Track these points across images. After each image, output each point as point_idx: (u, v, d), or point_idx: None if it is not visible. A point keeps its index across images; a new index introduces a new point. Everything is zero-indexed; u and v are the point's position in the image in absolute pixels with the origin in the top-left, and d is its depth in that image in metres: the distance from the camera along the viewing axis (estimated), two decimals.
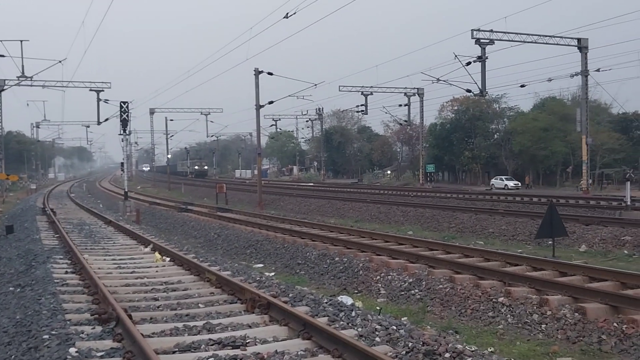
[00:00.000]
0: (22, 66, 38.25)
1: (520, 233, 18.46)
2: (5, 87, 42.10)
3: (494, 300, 9.40)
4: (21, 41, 36.09)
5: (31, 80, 39.55)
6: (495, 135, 62.38)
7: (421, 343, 6.42)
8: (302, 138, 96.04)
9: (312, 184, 59.23)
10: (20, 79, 39.07)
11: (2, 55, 36.21)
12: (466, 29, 34.08)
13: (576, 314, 8.32)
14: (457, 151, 60.08)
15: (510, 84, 70.26)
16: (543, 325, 8.33)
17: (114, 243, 16.63)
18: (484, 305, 9.37)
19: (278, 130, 72.76)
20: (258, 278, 10.96)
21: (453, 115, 63.45)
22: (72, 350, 6.21)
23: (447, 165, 65.04)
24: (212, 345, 6.63)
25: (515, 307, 9.00)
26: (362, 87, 48.94)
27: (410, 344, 6.43)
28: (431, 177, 56.21)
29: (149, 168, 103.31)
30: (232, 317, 7.94)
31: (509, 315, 8.86)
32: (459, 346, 6.32)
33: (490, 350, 7.37)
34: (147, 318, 7.84)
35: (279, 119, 70.74)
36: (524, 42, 33.64)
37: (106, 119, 42.16)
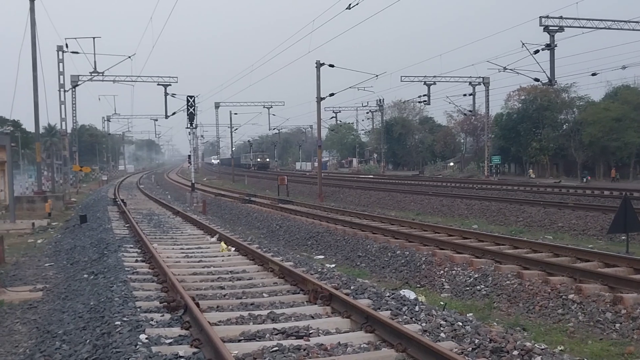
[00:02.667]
0: (95, 62, 39.98)
1: (591, 228, 17.70)
2: (79, 82, 44.07)
3: (563, 297, 9.05)
4: (94, 38, 37.71)
5: (102, 75, 41.26)
6: (564, 126, 59.97)
7: (488, 340, 6.26)
8: (362, 130, 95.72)
9: (371, 176, 58.95)
10: (92, 74, 40.81)
11: (77, 52, 37.95)
12: (534, 16, 32.83)
13: None
14: (524, 142, 58.11)
15: (581, 73, 67.38)
16: (617, 325, 7.95)
17: (181, 233, 17.13)
18: (553, 302, 9.04)
19: (338, 122, 72.84)
20: (320, 269, 11.01)
21: (520, 105, 61.43)
22: (142, 336, 6.44)
23: (514, 156, 63.07)
24: (276, 334, 6.72)
25: (586, 304, 8.64)
26: (425, 77, 48.21)
27: (476, 341, 6.28)
28: (497, 169, 54.69)
29: (218, 161, 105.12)
30: (295, 307, 8.01)
31: (579, 313, 8.51)
32: (528, 344, 6.12)
33: (560, 348, 7.11)
34: (213, 306, 8.03)
35: (339, 111, 70.87)
36: (596, 28, 32.09)
37: (173, 113, 43.48)
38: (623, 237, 15.40)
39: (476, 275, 11.04)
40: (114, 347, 6.15)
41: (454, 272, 11.61)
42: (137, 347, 6.08)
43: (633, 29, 32.60)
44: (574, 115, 58.89)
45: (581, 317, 8.40)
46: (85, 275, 10.99)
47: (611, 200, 23.22)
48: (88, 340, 6.73)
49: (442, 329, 6.82)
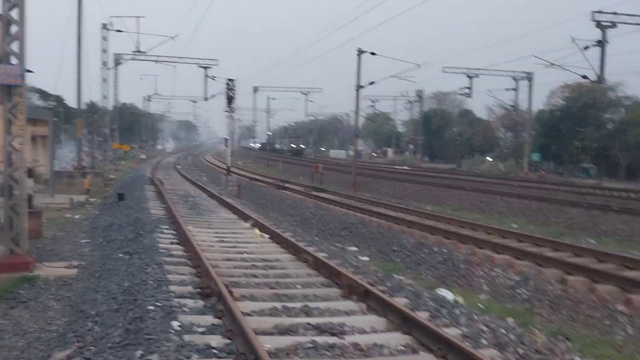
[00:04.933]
0: (138, 41, 40.36)
1: (638, 234, 16.98)
2: (122, 61, 44.62)
3: (611, 307, 8.62)
4: (137, 17, 38.05)
5: (145, 55, 41.65)
6: (609, 126, 58.11)
7: (533, 350, 5.95)
8: (400, 120, 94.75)
9: (406, 168, 58.24)
10: (135, 53, 41.23)
11: (120, 31, 38.36)
12: (586, 11, 31.62)
13: None
14: (566, 141, 56.55)
15: (632, 71, 65.06)
16: None
17: (216, 216, 17.12)
18: (600, 312, 8.62)
19: (376, 111, 72.19)
20: (354, 263, 10.79)
21: (563, 102, 59.75)
22: (175, 323, 6.33)
23: (554, 155, 61.49)
24: (310, 330, 6.53)
25: (636, 317, 8.20)
26: (468, 69, 47.21)
27: (520, 351, 5.98)
28: (536, 166, 53.41)
29: (259, 145, 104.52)
30: (329, 301, 7.82)
31: (628, 326, 8.09)
32: (577, 358, 5.78)
33: None
34: (246, 295, 7.89)
35: (378, 100, 70.21)
36: None
37: (212, 95, 43.68)
38: None
39: (517, 278, 10.65)
40: (146, 333, 6.06)
41: (493, 273, 11.23)
42: (170, 334, 5.98)
43: None
44: (621, 115, 56.98)
45: (630, 330, 7.98)
46: (121, 255, 11.02)
47: None
48: (120, 324, 6.66)
49: (483, 335, 6.53)
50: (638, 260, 11.31)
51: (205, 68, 43.41)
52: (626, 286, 9.21)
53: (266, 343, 5.90)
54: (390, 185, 34.93)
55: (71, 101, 58.79)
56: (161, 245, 11.31)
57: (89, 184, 26.57)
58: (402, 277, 10.48)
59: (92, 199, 23.87)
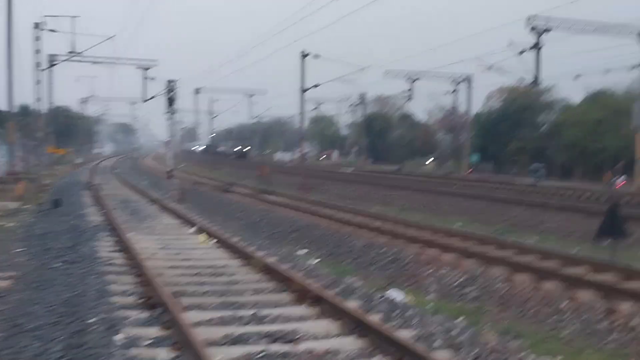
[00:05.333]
0: (73, 42, 38.75)
1: (576, 231, 17.55)
2: (56, 62, 42.78)
3: (557, 304, 8.80)
4: (73, 17, 36.52)
5: (81, 56, 40.07)
6: (544, 127, 60.51)
7: (488, 351, 5.95)
8: (344, 123, 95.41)
9: (352, 170, 58.65)
10: (70, 54, 39.60)
11: (54, 30, 36.74)
12: (523, 15, 32.68)
13: None
14: (503, 142, 58.50)
15: (563, 75, 67.86)
16: (614, 335, 7.71)
17: (158, 222, 16.59)
18: (547, 309, 8.78)
19: (320, 114, 72.45)
20: (305, 267, 10.62)
21: (501, 104, 61.80)
22: (119, 336, 5.99)
23: (492, 155, 63.48)
24: (262, 338, 6.32)
25: (581, 312, 8.39)
26: (409, 72, 47.96)
27: (475, 351, 5.96)
28: (475, 167, 54.87)
29: (203, 147, 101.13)
30: (280, 307, 7.62)
31: (574, 322, 8.26)
32: (531, 356, 5.82)
33: (560, 358, 6.85)
34: (194, 304, 7.59)
35: (322, 103, 70.41)
36: (584, 30, 32.16)
37: (152, 97, 42.43)
38: (608, 242, 15.30)
39: (465, 277, 10.76)
40: (88, 348, 5.70)
41: (441, 272, 11.31)
42: (114, 348, 5.64)
43: (619, 33, 32.74)
44: (554, 117, 59.42)
45: (577, 325, 8.14)
46: (59, 264, 10.43)
47: (592, 203, 23.24)
48: (60, 338, 6.23)
49: (436, 336, 6.50)
50: (578, 257, 11.67)
51: (144, 69, 42.18)
52: (570, 283, 9.44)
53: (217, 354, 5.66)
54: (338, 186, 35.00)
55: (1, 104, 56.07)
56: (101, 253, 10.82)
57: (23, 190, 25.28)
58: (353, 279, 10.40)
59: (26, 206, 22.68)
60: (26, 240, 14.33)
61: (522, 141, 57.61)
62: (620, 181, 41.61)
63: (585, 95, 58.51)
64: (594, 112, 50.27)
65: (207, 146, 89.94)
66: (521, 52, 31.52)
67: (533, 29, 30.71)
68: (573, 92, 79.42)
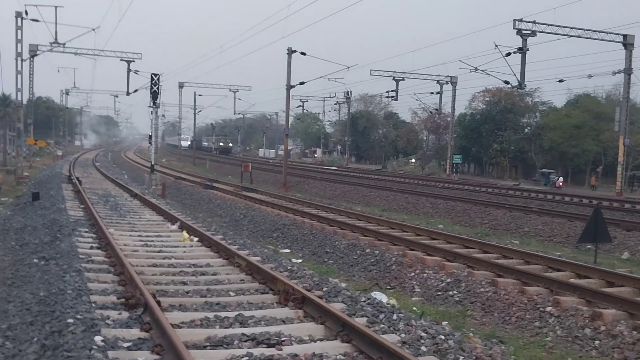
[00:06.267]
0: (55, 32, 38.06)
1: (557, 234, 17.70)
2: (37, 52, 41.99)
3: (540, 309, 8.79)
4: (55, 7, 35.86)
5: (63, 46, 39.37)
6: (526, 130, 61.06)
7: (474, 357, 5.89)
8: (328, 121, 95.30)
9: (335, 168, 58.62)
10: (52, 45, 38.89)
11: (36, 20, 36.05)
12: (509, 19, 32.83)
13: (634, 332, 7.68)
14: (486, 143, 58.92)
15: (548, 78, 68.61)
16: (596, 342, 7.72)
17: (140, 218, 16.33)
18: (530, 314, 8.77)
19: (305, 111, 72.15)
20: (289, 267, 10.50)
21: (484, 106, 62.17)
22: (98, 338, 5.81)
23: (474, 157, 63.90)
24: (245, 341, 6.19)
25: (564, 318, 8.39)
26: (394, 72, 47.95)
27: (460, 357, 5.90)
28: (457, 168, 55.11)
29: (189, 143, 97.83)
30: (264, 309, 7.50)
31: (557, 327, 8.26)
32: None
33: None
34: (176, 305, 7.44)
35: (307, 100, 70.19)
36: (568, 35, 32.40)
37: (135, 90, 41.89)
38: (589, 246, 15.42)
39: (449, 280, 10.72)
40: (66, 350, 5.51)
41: (425, 275, 11.27)
42: (92, 351, 5.46)
43: (602, 39, 33.06)
44: (537, 120, 59.97)
45: (559, 331, 8.14)
46: (36, 260, 10.17)
47: (574, 207, 23.44)
48: (36, 339, 6.04)
49: (422, 341, 6.42)
50: (561, 261, 11.71)
51: (127, 62, 41.56)
52: (554, 287, 9.44)
53: (199, 357, 5.51)
54: (321, 185, 34.92)
55: None
56: (80, 250, 10.57)
57: (0, 182, 24.78)
58: (336, 280, 10.32)
59: (3, 199, 22.27)
60: (2, 234, 14.03)
61: (504, 143, 58.06)
62: (560, 181, 42.90)
63: (567, 99, 59.21)
64: (575, 116, 50.83)
65: (192, 141, 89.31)
66: (507, 55, 31.67)
67: (519, 32, 30.88)
68: (557, 97, 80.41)
